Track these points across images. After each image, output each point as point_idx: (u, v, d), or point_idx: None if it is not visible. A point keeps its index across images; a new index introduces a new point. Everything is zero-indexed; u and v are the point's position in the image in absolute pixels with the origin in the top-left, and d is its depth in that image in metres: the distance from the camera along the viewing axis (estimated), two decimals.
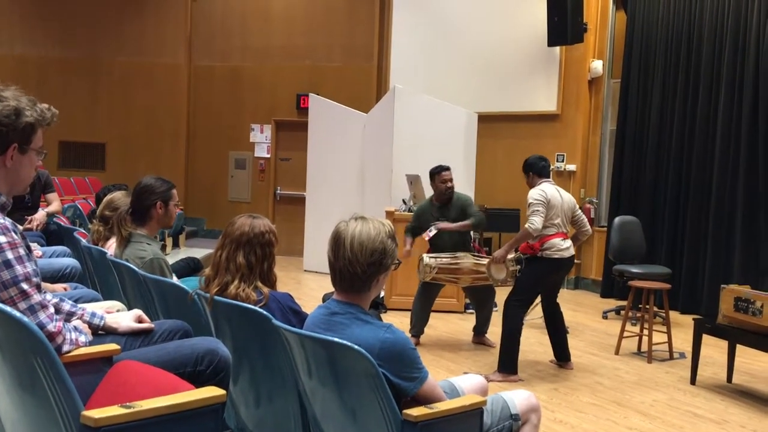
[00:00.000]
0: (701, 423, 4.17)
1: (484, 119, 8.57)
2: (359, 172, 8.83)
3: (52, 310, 2.11)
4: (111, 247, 3.84)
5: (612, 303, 7.76)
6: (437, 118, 7.99)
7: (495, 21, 9.24)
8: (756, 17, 6.95)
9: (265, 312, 2.44)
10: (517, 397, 2.52)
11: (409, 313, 5.88)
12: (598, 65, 8.74)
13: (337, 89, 10.17)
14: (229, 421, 2.79)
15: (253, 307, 2.50)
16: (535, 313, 6.69)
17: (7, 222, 2.08)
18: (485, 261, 5.46)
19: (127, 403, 1.79)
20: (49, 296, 2.24)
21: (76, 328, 2.22)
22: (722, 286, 4.75)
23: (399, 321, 6.29)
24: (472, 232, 5.95)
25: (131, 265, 3.25)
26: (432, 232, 5.58)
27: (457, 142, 7.81)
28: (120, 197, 3.98)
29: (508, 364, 4.86)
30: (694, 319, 5.13)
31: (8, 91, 2.12)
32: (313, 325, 2.28)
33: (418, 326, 5.77)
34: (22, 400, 1.92)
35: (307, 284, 8.45)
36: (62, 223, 6.00)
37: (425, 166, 7.25)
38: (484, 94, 9.19)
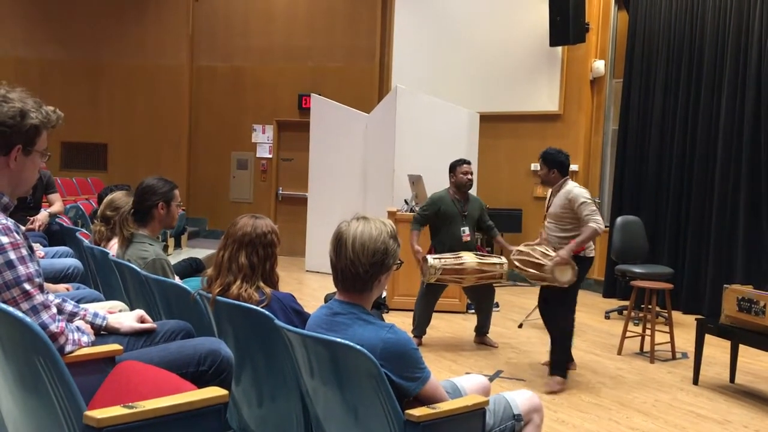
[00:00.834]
0: (704, 423, 4.17)
1: (486, 119, 8.57)
2: (361, 172, 8.83)
3: (54, 310, 2.11)
4: (113, 247, 3.85)
5: (614, 303, 7.75)
6: (439, 118, 7.99)
7: (497, 21, 9.24)
8: (758, 16, 6.94)
9: (267, 312, 2.44)
10: (519, 397, 2.52)
11: (411, 314, 5.87)
12: (600, 65, 8.74)
13: (339, 89, 10.17)
14: (232, 422, 2.80)
15: (255, 307, 2.50)
16: (537, 314, 6.69)
17: (10, 222, 2.08)
18: (490, 260, 5.45)
19: (130, 404, 1.79)
20: (51, 297, 2.24)
21: (78, 329, 2.22)
22: (725, 285, 4.75)
23: (401, 321, 6.28)
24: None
25: (133, 266, 3.25)
26: (467, 231, 5.64)
27: (459, 142, 7.80)
28: (121, 197, 3.98)
29: (562, 366, 4.75)
30: (696, 319, 5.12)
31: (14, 93, 2.13)
32: (315, 325, 2.28)
33: (420, 327, 5.76)
34: (24, 400, 1.92)
35: (309, 284, 8.45)
36: (64, 224, 6.00)
37: (427, 167, 7.24)
38: (486, 94, 9.19)
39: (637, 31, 8.20)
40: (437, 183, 6.30)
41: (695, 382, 4.90)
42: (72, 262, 4.15)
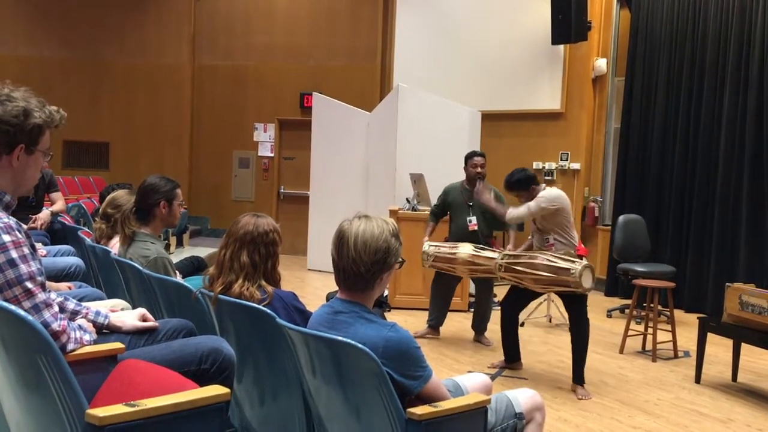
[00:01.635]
0: (706, 422, 4.16)
1: (488, 118, 8.56)
2: (363, 171, 8.83)
3: (56, 308, 2.11)
4: (114, 245, 3.85)
5: (616, 301, 7.75)
6: (441, 116, 7.98)
7: (499, 19, 9.23)
8: (761, 13, 6.92)
9: (269, 311, 2.44)
10: (521, 395, 2.52)
11: (412, 312, 5.89)
12: (602, 63, 8.73)
13: (340, 88, 10.17)
14: (233, 420, 2.80)
15: (257, 305, 2.50)
16: (539, 312, 6.70)
17: (12, 221, 2.08)
18: (485, 254, 5.39)
19: (132, 402, 1.79)
20: (53, 295, 2.24)
21: (80, 327, 2.22)
22: (727, 284, 4.74)
23: (403, 320, 6.29)
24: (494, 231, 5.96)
25: (135, 264, 3.25)
26: (473, 221, 5.70)
27: (460, 141, 7.79)
28: (122, 195, 3.99)
29: (583, 374, 4.66)
30: (698, 317, 5.12)
31: (18, 92, 2.13)
32: (317, 324, 2.28)
33: (431, 314, 5.81)
34: (26, 398, 1.92)
35: (311, 283, 8.45)
36: (66, 222, 6.00)
37: (429, 165, 7.23)
38: (487, 93, 9.18)
39: (639, 29, 8.19)
40: (439, 181, 6.31)
41: (697, 380, 4.89)
42: (74, 261, 4.15)
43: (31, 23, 11.03)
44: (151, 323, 2.58)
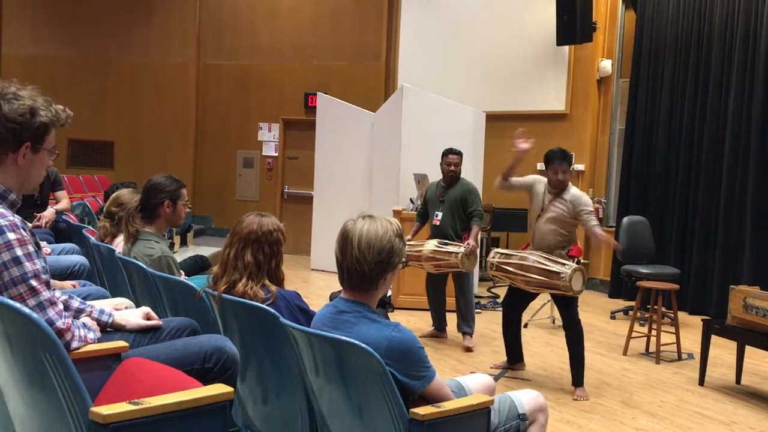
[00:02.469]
0: (709, 424, 4.16)
1: (493, 118, 8.55)
2: (367, 171, 8.83)
3: (61, 306, 2.12)
4: (119, 244, 3.86)
5: (620, 303, 7.74)
6: (445, 117, 7.98)
7: (503, 20, 9.22)
8: (767, 15, 6.90)
9: (272, 310, 2.44)
10: (524, 396, 2.52)
11: (415, 312, 5.88)
12: (607, 64, 8.71)
13: (345, 88, 10.17)
14: (237, 419, 2.80)
15: (260, 305, 2.50)
16: (543, 314, 6.69)
17: (17, 219, 2.09)
18: (446, 249, 5.34)
19: (135, 400, 1.79)
20: (58, 293, 2.25)
21: (84, 325, 2.23)
22: (731, 286, 4.73)
23: (406, 320, 6.29)
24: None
25: (139, 263, 3.26)
26: (438, 216, 5.69)
27: (465, 142, 7.78)
28: (126, 194, 4.00)
29: (582, 375, 4.65)
30: (702, 319, 5.11)
31: (24, 91, 2.14)
32: (320, 324, 2.28)
33: (433, 319, 5.81)
34: (31, 396, 1.93)
35: (315, 282, 8.45)
36: (71, 221, 6.02)
37: (433, 165, 7.22)
38: (492, 94, 9.17)
39: (644, 31, 8.18)
40: None
41: (701, 383, 4.88)
42: (78, 259, 4.16)
43: (36, 22, 11.05)
44: (155, 322, 2.59)
